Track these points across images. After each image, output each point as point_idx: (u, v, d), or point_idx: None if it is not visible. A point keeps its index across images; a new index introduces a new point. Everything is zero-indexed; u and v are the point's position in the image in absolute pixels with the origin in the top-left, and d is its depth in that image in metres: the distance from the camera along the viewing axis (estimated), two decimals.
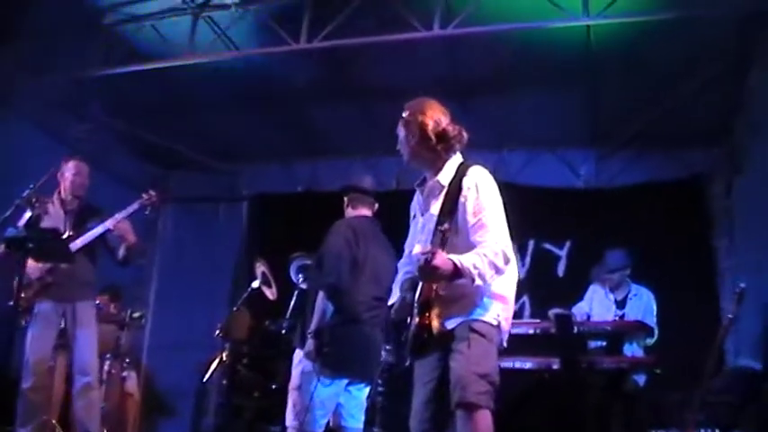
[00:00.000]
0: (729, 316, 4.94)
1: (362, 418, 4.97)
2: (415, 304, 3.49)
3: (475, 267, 3.28)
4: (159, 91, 7.64)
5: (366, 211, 5.15)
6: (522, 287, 7.56)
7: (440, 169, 3.61)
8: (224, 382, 6.36)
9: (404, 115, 3.66)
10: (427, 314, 3.45)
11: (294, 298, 6.27)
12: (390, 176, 8.49)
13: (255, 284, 6.44)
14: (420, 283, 3.50)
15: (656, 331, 6.10)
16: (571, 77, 7.05)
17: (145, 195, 5.69)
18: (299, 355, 4.89)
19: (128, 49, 7.15)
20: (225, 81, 7.47)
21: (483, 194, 3.45)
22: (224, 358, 6.35)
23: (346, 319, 4.72)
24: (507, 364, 5.77)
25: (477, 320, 3.43)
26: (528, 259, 7.87)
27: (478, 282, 3.32)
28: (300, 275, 6.38)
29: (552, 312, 5.91)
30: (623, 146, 7.79)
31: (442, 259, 3.25)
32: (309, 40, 6.38)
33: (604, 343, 5.94)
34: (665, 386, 5.91)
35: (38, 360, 5.28)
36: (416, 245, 3.61)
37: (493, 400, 3.33)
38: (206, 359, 8.74)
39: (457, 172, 3.54)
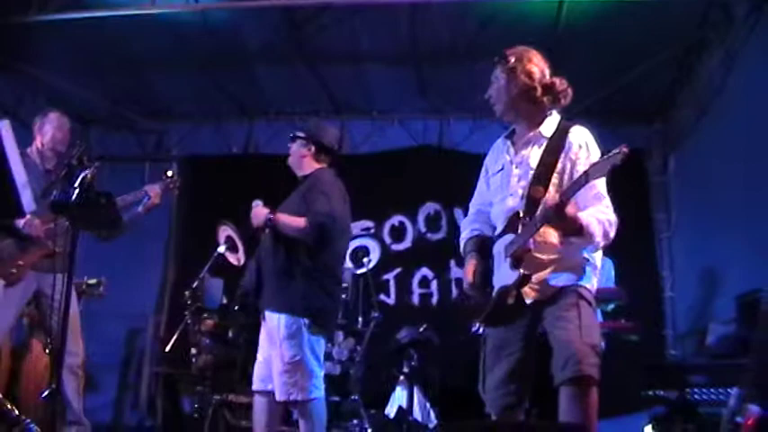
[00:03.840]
0: None
1: None
2: (505, 261, 3.29)
3: (591, 231, 3.12)
4: (85, 41, 7.08)
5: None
6: None
7: (538, 124, 3.43)
8: (193, 351, 6.01)
9: (508, 61, 3.42)
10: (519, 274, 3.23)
11: None
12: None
13: (221, 249, 6.16)
14: (507, 241, 3.32)
15: None
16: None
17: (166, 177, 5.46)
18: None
19: None
20: (160, 35, 7.05)
21: (594, 156, 3.30)
22: (196, 327, 6.03)
23: (332, 277, 4.61)
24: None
25: (583, 287, 3.30)
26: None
27: (592, 244, 3.22)
28: None
29: None
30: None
31: (575, 209, 3.09)
32: None
33: None
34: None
35: None
36: (508, 198, 3.44)
37: None
38: (130, 329, 8.44)
39: (558, 127, 3.40)
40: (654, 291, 7.64)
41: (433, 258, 8.08)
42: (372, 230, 8.07)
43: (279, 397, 4.38)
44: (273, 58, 7.58)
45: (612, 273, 6.59)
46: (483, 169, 3.75)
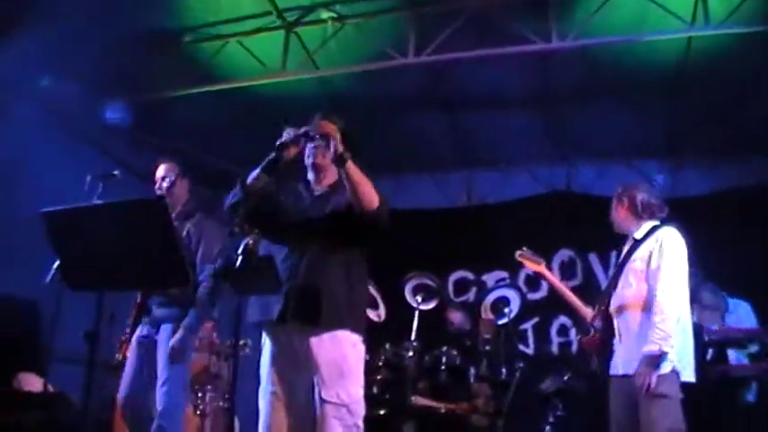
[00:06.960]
0: None
1: None
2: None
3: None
4: (214, 110, 7.43)
5: None
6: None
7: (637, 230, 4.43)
8: None
9: (620, 191, 4.49)
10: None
11: (416, 320, 6.14)
12: (461, 191, 8.45)
13: None
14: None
15: None
16: (658, 89, 7.07)
17: None
18: None
19: (201, 68, 7.02)
20: (293, 100, 7.28)
21: (667, 249, 4.12)
22: None
23: None
24: None
25: (661, 375, 3.90)
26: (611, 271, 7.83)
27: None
28: (419, 296, 6.27)
29: None
30: (696, 156, 7.88)
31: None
32: (417, 53, 6.30)
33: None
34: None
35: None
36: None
37: None
38: None
39: (650, 230, 4.31)
40: None
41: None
42: (508, 280, 8.01)
43: None
44: (406, 111, 7.74)
45: (752, 315, 6.39)
46: None
